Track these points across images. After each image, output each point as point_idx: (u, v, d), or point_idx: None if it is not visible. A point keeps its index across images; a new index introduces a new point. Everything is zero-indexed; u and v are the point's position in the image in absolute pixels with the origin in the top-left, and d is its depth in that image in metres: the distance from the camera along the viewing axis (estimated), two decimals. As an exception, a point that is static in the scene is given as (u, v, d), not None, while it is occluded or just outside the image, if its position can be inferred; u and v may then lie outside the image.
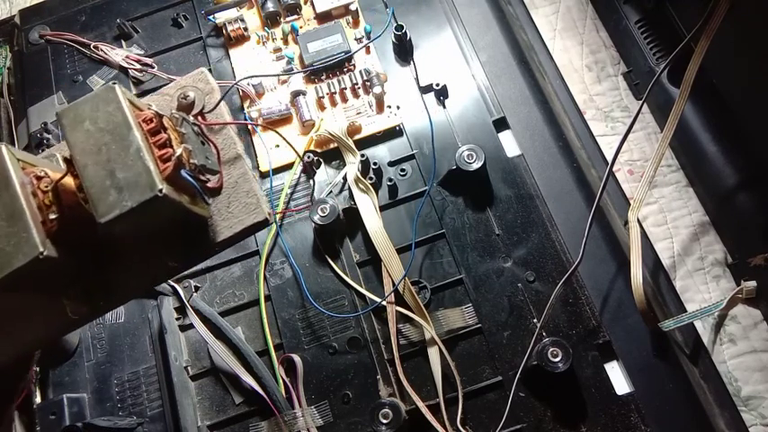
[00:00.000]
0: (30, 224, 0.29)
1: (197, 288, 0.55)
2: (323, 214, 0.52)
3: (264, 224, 0.35)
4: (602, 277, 0.51)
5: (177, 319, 0.54)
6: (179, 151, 0.31)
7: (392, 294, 0.51)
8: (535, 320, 0.50)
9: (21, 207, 0.30)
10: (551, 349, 0.46)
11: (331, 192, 0.56)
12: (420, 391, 0.48)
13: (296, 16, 0.64)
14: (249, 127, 0.59)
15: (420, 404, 0.47)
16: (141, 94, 0.60)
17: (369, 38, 0.62)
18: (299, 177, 0.58)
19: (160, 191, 0.29)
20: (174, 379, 0.51)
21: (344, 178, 0.55)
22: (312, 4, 0.63)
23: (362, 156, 0.55)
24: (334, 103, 0.60)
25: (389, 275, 0.51)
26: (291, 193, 0.57)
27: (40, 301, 0.34)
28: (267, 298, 0.54)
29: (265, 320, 0.53)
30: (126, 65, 0.64)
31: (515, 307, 0.50)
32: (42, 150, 0.48)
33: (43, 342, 0.36)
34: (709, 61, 0.52)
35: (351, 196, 0.54)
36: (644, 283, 0.48)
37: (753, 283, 0.53)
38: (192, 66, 0.64)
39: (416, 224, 0.54)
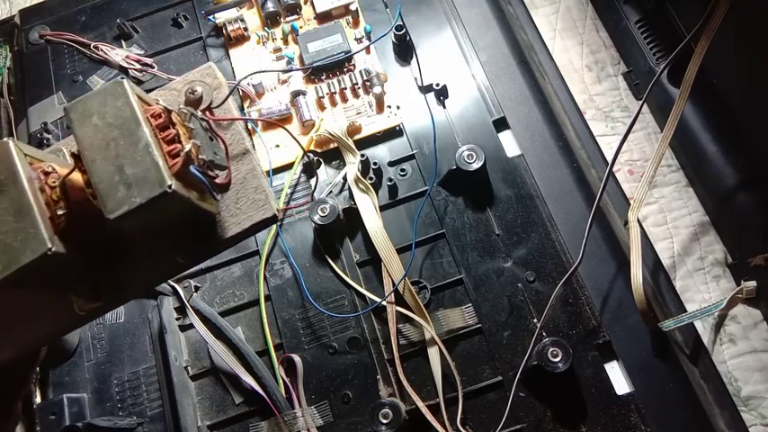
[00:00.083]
0: (38, 220, 0.29)
1: (197, 288, 0.55)
2: (323, 214, 0.52)
3: (273, 220, 0.35)
4: (602, 277, 0.51)
5: (177, 319, 0.54)
6: (188, 147, 0.30)
7: (392, 294, 0.51)
8: (535, 320, 0.50)
9: (28, 203, 0.29)
10: (551, 349, 0.46)
11: (331, 192, 0.56)
12: (420, 391, 0.48)
13: (296, 16, 0.64)
14: (249, 127, 0.59)
15: (420, 404, 0.47)
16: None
17: (369, 38, 0.62)
18: (299, 177, 0.58)
19: (169, 187, 0.29)
20: (174, 379, 0.51)
21: (344, 178, 0.55)
22: (312, 4, 0.63)
23: (362, 156, 0.55)
24: (334, 103, 0.60)
25: (389, 275, 0.51)
26: (291, 193, 0.57)
27: (48, 298, 0.34)
28: (267, 298, 0.54)
29: (265, 320, 0.53)
30: (126, 65, 0.64)
31: (515, 307, 0.50)
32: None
33: (51, 338, 0.36)
34: (709, 61, 0.52)
35: (351, 196, 0.54)
36: (644, 283, 0.48)
37: (753, 283, 0.53)
38: (191, 66, 0.64)
39: (416, 224, 0.54)
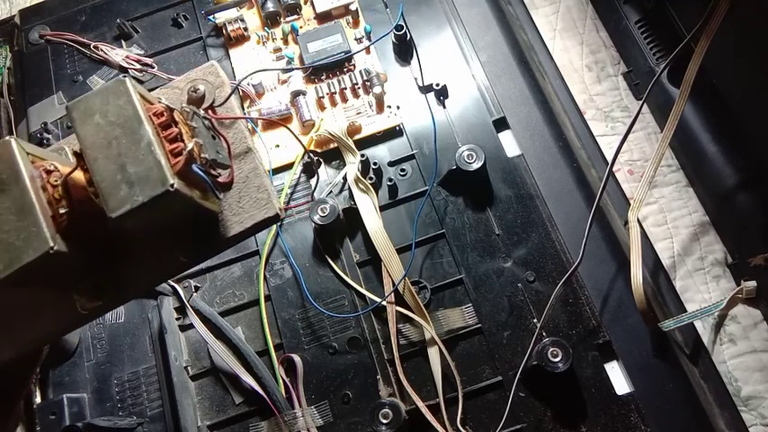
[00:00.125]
0: (40, 218, 0.29)
1: (197, 288, 0.55)
2: (323, 214, 0.52)
3: (275, 219, 0.35)
4: (602, 277, 0.51)
5: (177, 319, 0.54)
6: (190, 145, 0.30)
7: (392, 294, 0.51)
8: (535, 320, 0.50)
9: (30, 201, 0.29)
10: (551, 349, 0.46)
11: (331, 192, 0.56)
12: (420, 391, 0.48)
13: (296, 16, 0.64)
14: (249, 126, 0.59)
15: (420, 404, 0.47)
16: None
17: (369, 38, 0.62)
18: (299, 177, 0.58)
19: (171, 186, 0.29)
20: (174, 379, 0.51)
21: (344, 178, 0.55)
22: (312, 4, 0.63)
23: (362, 156, 0.55)
24: (334, 103, 0.60)
25: (389, 275, 0.51)
26: (291, 193, 0.57)
27: (50, 297, 0.34)
28: (267, 298, 0.54)
29: (265, 320, 0.53)
30: (126, 65, 0.64)
31: (515, 307, 0.50)
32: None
33: (53, 337, 0.36)
34: (709, 61, 0.52)
35: (351, 196, 0.54)
36: (644, 283, 0.48)
37: (753, 283, 0.53)
38: (191, 66, 0.64)
39: (416, 224, 0.54)
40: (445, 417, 0.47)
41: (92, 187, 0.30)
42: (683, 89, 0.51)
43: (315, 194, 0.56)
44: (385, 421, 0.46)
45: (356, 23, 0.63)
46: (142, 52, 0.66)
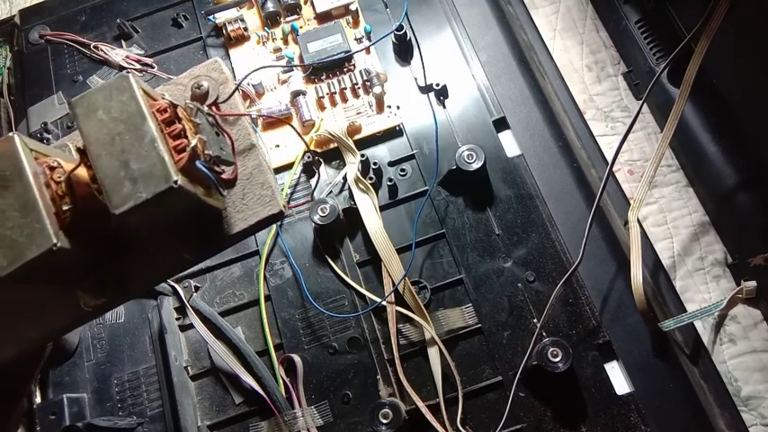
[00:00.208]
0: (43, 215, 0.29)
1: (197, 288, 0.55)
2: (323, 214, 0.52)
3: (279, 216, 0.35)
4: (602, 277, 0.51)
5: (177, 319, 0.54)
6: (194, 142, 0.30)
7: (392, 294, 0.51)
8: (535, 320, 0.50)
9: (34, 198, 0.29)
10: (551, 349, 0.46)
11: (331, 192, 0.56)
12: (420, 391, 0.48)
13: (296, 16, 0.64)
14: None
15: (420, 404, 0.47)
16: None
17: (369, 38, 0.62)
18: (299, 177, 0.58)
19: (175, 182, 0.29)
20: (174, 379, 0.51)
21: (344, 178, 0.55)
22: (312, 4, 0.63)
23: (362, 156, 0.55)
24: (334, 103, 0.60)
25: (389, 275, 0.51)
26: (291, 193, 0.57)
27: (53, 294, 0.34)
28: (267, 298, 0.54)
29: (265, 320, 0.53)
30: (126, 65, 0.64)
31: (515, 307, 0.50)
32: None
33: (56, 334, 0.36)
34: (709, 61, 0.52)
35: (351, 196, 0.54)
36: (644, 283, 0.48)
37: (753, 283, 0.53)
38: (191, 66, 0.64)
39: (416, 224, 0.54)
40: (445, 417, 0.47)
41: (95, 184, 0.30)
42: (683, 89, 0.51)
43: (315, 194, 0.57)
44: (385, 421, 0.46)
45: (356, 23, 0.63)
46: (142, 52, 0.66)
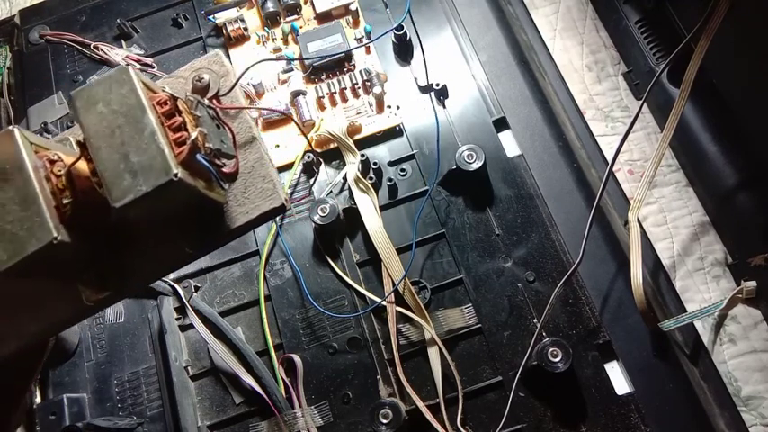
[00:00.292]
0: (43, 209, 0.29)
1: (197, 288, 0.55)
2: (323, 214, 0.52)
3: (281, 210, 0.35)
4: (602, 277, 0.51)
5: (177, 319, 0.54)
6: (194, 135, 0.30)
7: (392, 294, 0.51)
8: (535, 320, 0.50)
9: (34, 191, 0.29)
10: (551, 349, 0.46)
11: (331, 192, 0.56)
12: (420, 391, 0.48)
13: (296, 16, 0.64)
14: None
15: (420, 404, 0.47)
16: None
17: (369, 38, 0.62)
18: (300, 177, 0.58)
19: (175, 175, 0.28)
20: (174, 379, 0.51)
21: (344, 178, 0.55)
22: (312, 4, 0.63)
23: (362, 156, 0.55)
24: (334, 103, 0.60)
25: (389, 275, 0.51)
26: (291, 194, 0.57)
27: (54, 288, 0.34)
28: (267, 298, 0.54)
29: (265, 320, 0.53)
30: (126, 65, 0.64)
31: (515, 307, 0.50)
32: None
33: (57, 329, 0.36)
34: (709, 61, 0.52)
35: (351, 196, 0.54)
36: (644, 283, 0.48)
37: (753, 283, 0.53)
38: (192, 66, 0.64)
39: (417, 224, 0.54)
40: (445, 417, 0.47)
41: (95, 177, 0.30)
42: (683, 89, 0.51)
43: (315, 194, 0.57)
44: (385, 421, 0.46)
45: (356, 23, 0.63)
46: (142, 52, 0.66)
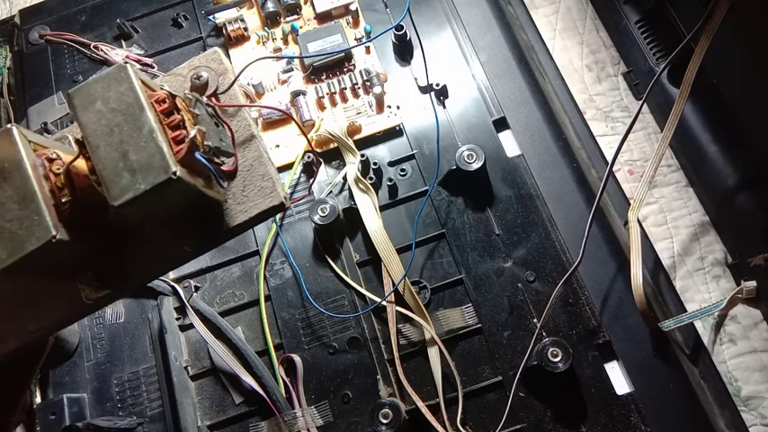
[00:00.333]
0: (42, 207, 0.29)
1: (197, 288, 0.55)
2: (323, 214, 0.52)
3: (280, 208, 0.35)
4: (602, 277, 0.51)
5: (177, 319, 0.54)
6: (193, 133, 0.30)
7: (392, 294, 0.51)
8: (535, 320, 0.50)
9: (33, 190, 0.29)
10: (551, 349, 0.46)
11: (331, 192, 0.56)
12: (420, 391, 0.48)
13: (296, 16, 0.64)
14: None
15: (420, 404, 0.47)
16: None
17: (369, 38, 0.62)
18: (299, 177, 0.58)
19: (174, 173, 0.28)
20: (174, 379, 0.51)
21: (344, 178, 0.55)
22: (312, 4, 0.63)
23: (362, 156, 0.55)
24: (334, 103, 0.60)
25: (389, 275, 0.51)
26: (291, 193, 0.57)
27: (54, 286, 0.34)
28: (267, 298, 0.54)
29: (265, 320, 0.53)
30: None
31: (515, 307, 0.50)
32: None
33: (58, 326, 0.36)
34: (709, 61, 0.52)
35: (351, 196, 0.54)
36: (644, 283, 0.48)
37: (753, 283, 0.53)
38: (192, 66, 0.64)
39: (417, 224, 0.54)
40: (445, 417, 0.47)
41: (94, 175, 0.30)
42: (682, 89, 0.51)
43: (315, 194, 0.56)
44: (385, 421, 0.46)
45: (356, 23, 0.63)
46: (142, 52, 0.66)
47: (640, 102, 0.53)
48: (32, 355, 0.40)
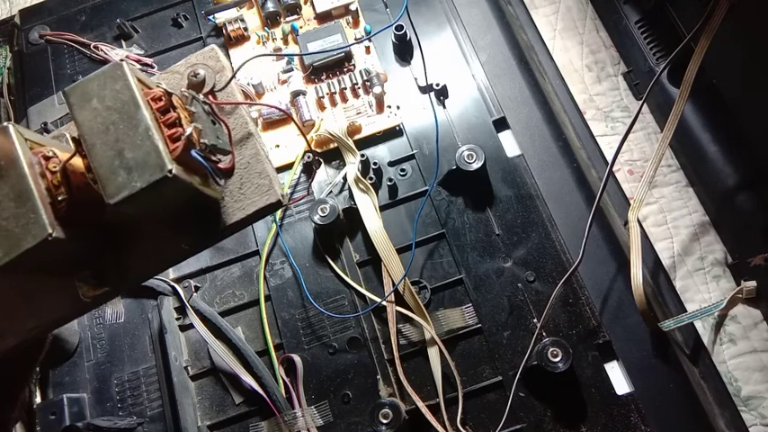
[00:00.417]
0: (38, 205, 0.29)
1: (197, 288, 0.55)
2: (323, 214, 0.52)
3: (277, 206, 0.35)
4: (602, 277, 0.51)
5: (177, 319, 0.54)
6: (189, 130, 0.30)
7: (392, 294, 0.51)
8: (535, 320, 0.50)
9: (29, 188, 0.29)
10: (551, 349, 0.46)
11: (331, 192, 0.56)
12: (420, 391, 0.48)
13: (296, 16, 0.64)
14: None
15: (420, 404, 0.47)
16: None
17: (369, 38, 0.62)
18: (299, 177, 0.58)
19: (170, 171, 0.28)
20: (174, 379, 0.51)
21: (344, 178, 0.55)
22: (312, 4, 0.63)
23: (362, 156, 0.55)
24: (334, 103, 0.60)
25: (389, 275, 0.51)
26: (291, 193, 0.57)
27: (52, 283, 0.34)
28: (267, 298, 0.54)
29: (265, 320, 0.53)
30: (126, 65, 0.64)
31: (515, 307, 0.50)
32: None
33: (56, 324, 0.36)
34: (709, 61, 0.52)
35: (351, 196, 0.54)
36: (644, 283, 0.48)
37: (753, 283, 0.53)
38: (192, 66, 0.64)
39: (417, 224, 0.54)
40: (445, 417, 0.47)
41: (90, 173, 0.30)
42: (682, 89, 0.51)
43: (315, 194, 0.56)
44: (385, 421, 0.46)
45: (356, 23, 0.63)
46: (142, 52, 0.66)
47: (640, 102, 0.53)
48: (31, 352, 0.40)
